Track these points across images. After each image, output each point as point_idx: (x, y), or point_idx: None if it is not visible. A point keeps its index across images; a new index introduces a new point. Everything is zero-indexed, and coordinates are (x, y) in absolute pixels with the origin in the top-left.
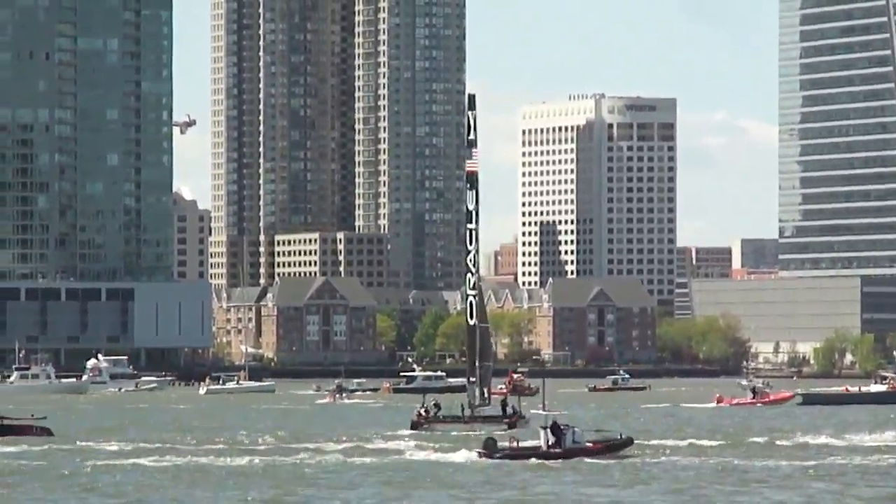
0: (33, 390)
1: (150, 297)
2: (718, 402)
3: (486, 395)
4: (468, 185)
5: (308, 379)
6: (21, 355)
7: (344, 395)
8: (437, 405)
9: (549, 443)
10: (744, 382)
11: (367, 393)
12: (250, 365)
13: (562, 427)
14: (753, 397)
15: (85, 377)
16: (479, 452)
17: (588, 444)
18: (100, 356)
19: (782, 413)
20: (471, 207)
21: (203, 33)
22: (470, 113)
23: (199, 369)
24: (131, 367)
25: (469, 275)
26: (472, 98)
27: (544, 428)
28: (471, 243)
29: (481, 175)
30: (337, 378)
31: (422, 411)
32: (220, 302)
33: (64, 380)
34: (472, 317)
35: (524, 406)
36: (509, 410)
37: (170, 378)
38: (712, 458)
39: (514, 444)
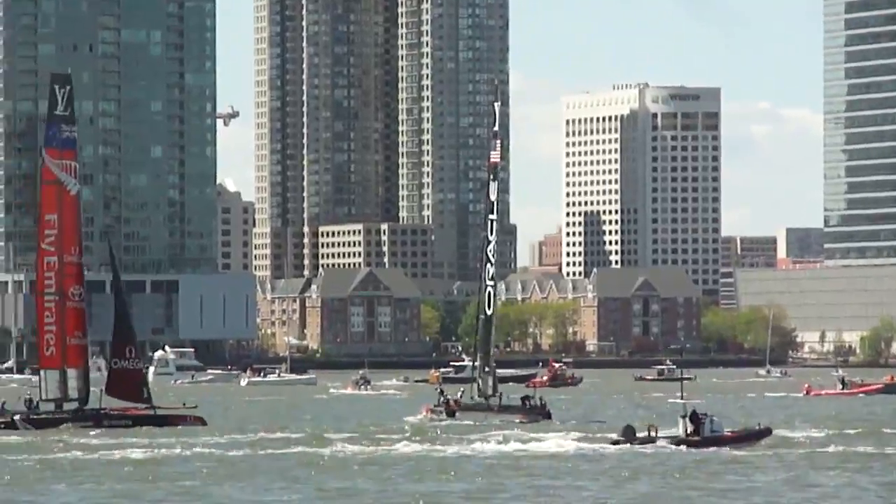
0: None
1: (194, 289)
2: (807, 392)
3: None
4: (491, 177)
5: (352, 371)
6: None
7: (368, 385)
8: (443, 393)
9: (688, 431)
10: (833, 374)
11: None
12: (294, 357)
13: (700, 416)
14: (842, 388)
15: (152, 368)
16: (617, 440)
17: (727, 433)
18: (167, 348)
19: (876, 402)
20: (493, 198)
21: (246, 25)
22: (496, 105)
23: (245, 361)
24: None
25: (488, 265)
26: (499, 90)
27: (683, 416)
28: (491, 234)
29: (525, 165)
30: (360, 370)
31: (451, 399)
32: (265, 293)
33: None
34: (489, 307)
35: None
36: (536, 402)
37: (235, 371)
38: (889, 447)
39: (653, 432)
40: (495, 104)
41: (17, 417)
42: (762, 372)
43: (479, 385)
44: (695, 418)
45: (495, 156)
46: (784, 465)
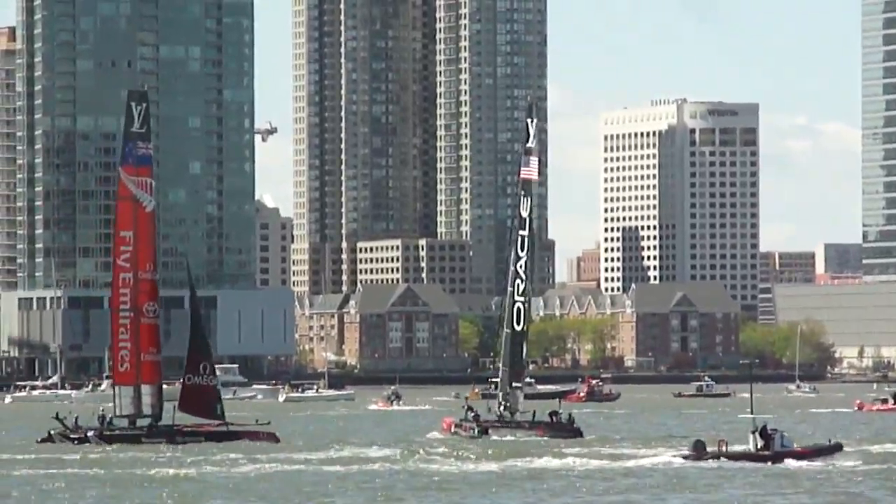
0: None
1: (232, 305)
2: (859, 408)
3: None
4: (522, 192)
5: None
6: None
7: (399, 401)
8: (471, 409)
9: (758, 446)
10: (886, 388)
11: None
12: (332, 372)
13: (770, 431)
14: (894, 403)
15: None
16: (687, 455)
17: (797, 449)
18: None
19: None
20: (524, 214)
21: (284, 40)
22: (529, 121)
23: (284, 377)
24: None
25: (518, 281)
26: (532, 106)
27: (754, 432)
28: (522, 250)
29: (563, 181)
30: (392, 385)
31: (479, 416)
32: (303, 309)
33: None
34: (517, 323)
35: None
36: (564, 418)
37: (280, 386)
38: None
39: (724, 447)
40: (528, 120)
41: (90, 433)
42: (792, 387)
43: (502, 400)
44: (765, 433)
45: (526, 172)
46: None
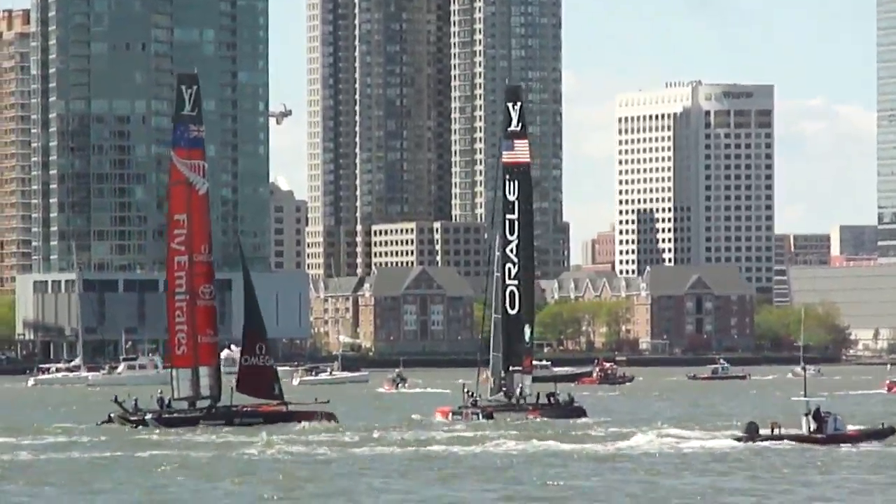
0: (142, 381)
1: None
2: (889, 389)
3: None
4: (507, 177)
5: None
6: (128, 346)
7: (404, 384)
8: (471, 394)
9: (811, 429)
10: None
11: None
12: (347, 355)
13: (824, 414)
14: None
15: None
16: (739, 437)
17: (850, 432)
18: (233, 347)
19: None
20: (511, 198)
21: (299, 23)
22: (510, 105)
23: (298, 360)
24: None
25: (509, 265)
26: (514, 90)
27: (807, 414)
28: (511, 233)
29: (578, 163)
30: (396, 368)
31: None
32: (318, 292)
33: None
34: (512, 307)
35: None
36: (564, 399)
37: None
38: None
39: (777, 430)
40: (509, 105)
41: (148, 416)
42: (798, 369)
43: (494, 385)
44: (818, 416)
45: (510, 156)
46: None
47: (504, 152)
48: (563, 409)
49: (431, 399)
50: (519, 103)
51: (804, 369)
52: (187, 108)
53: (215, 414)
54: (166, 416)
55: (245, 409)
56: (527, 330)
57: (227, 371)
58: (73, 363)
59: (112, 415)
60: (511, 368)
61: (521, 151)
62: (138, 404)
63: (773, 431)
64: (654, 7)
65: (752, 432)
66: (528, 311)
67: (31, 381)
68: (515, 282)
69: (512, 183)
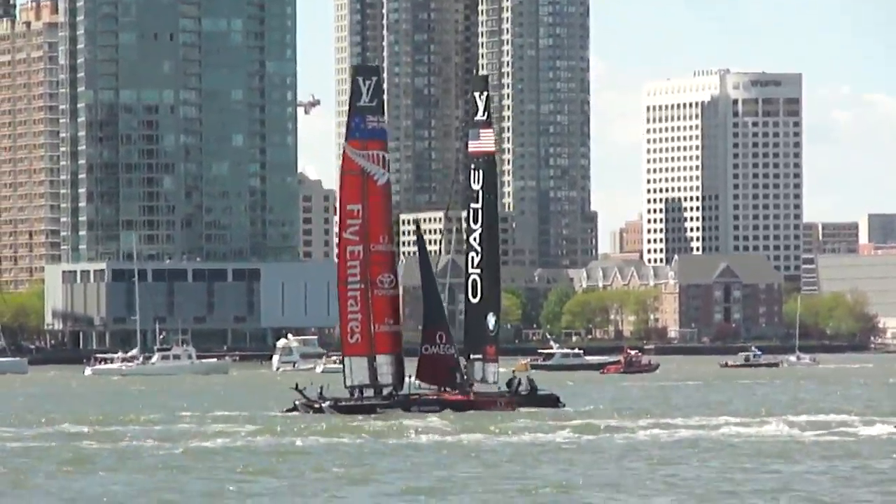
0: (175, 371)
1: (276, 278)
2: None
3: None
4: (472, 166)
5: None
6: (161, 337)
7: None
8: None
9: None
10: None
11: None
12: None
13: None
14: None
15: (276, 357)
16: None
17: None
18: (290, 335)
19: None
20: (475, 187)
21: (327, 13)
22: (477, 94)
23: (327, 349)
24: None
25: (472, 254)
26: (482, 80)
27: None
28: (475, 223)
29: (606, 152)
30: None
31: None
32: None
33: (205, 360)
34: (474, 295)
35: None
36: (524, 388)
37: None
38: None
39: None
40: (476, 94)
41: (325, 404)
42: (792, 359)
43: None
44: None
45: (475, 145)
46: None
47: (470, 142)
48: (537, 398)
49: None
50: (486, 93)
51: (799, 358)
52: (365, 100)
53: (394, 402)
54: (343, 404)
55: (425, 397)
56: (491, 318)
57: (284, 360)
58: (130, 353)
59: (297, 402)
60: (471, 357)
61: (486, 141)
62: (323, 392)
63: None
64: None
65: None
66: (492, 300)
67: (88, 371)
68: (478, 270)
69: (477, 172)
